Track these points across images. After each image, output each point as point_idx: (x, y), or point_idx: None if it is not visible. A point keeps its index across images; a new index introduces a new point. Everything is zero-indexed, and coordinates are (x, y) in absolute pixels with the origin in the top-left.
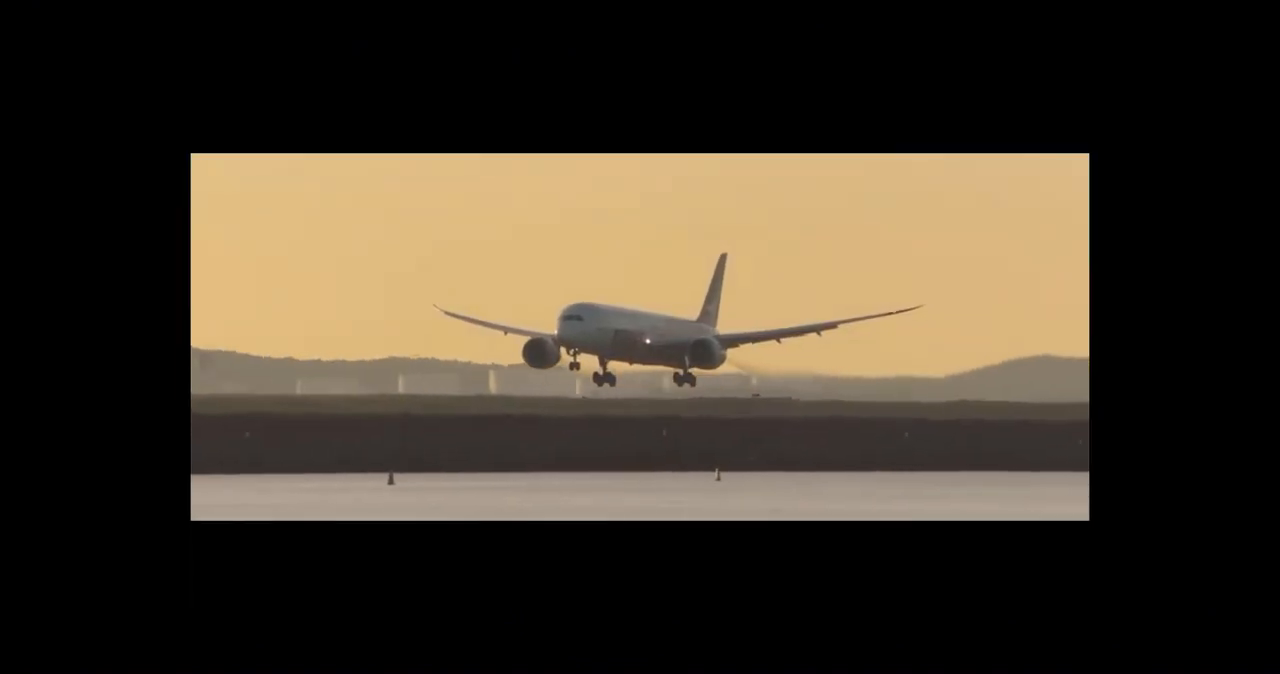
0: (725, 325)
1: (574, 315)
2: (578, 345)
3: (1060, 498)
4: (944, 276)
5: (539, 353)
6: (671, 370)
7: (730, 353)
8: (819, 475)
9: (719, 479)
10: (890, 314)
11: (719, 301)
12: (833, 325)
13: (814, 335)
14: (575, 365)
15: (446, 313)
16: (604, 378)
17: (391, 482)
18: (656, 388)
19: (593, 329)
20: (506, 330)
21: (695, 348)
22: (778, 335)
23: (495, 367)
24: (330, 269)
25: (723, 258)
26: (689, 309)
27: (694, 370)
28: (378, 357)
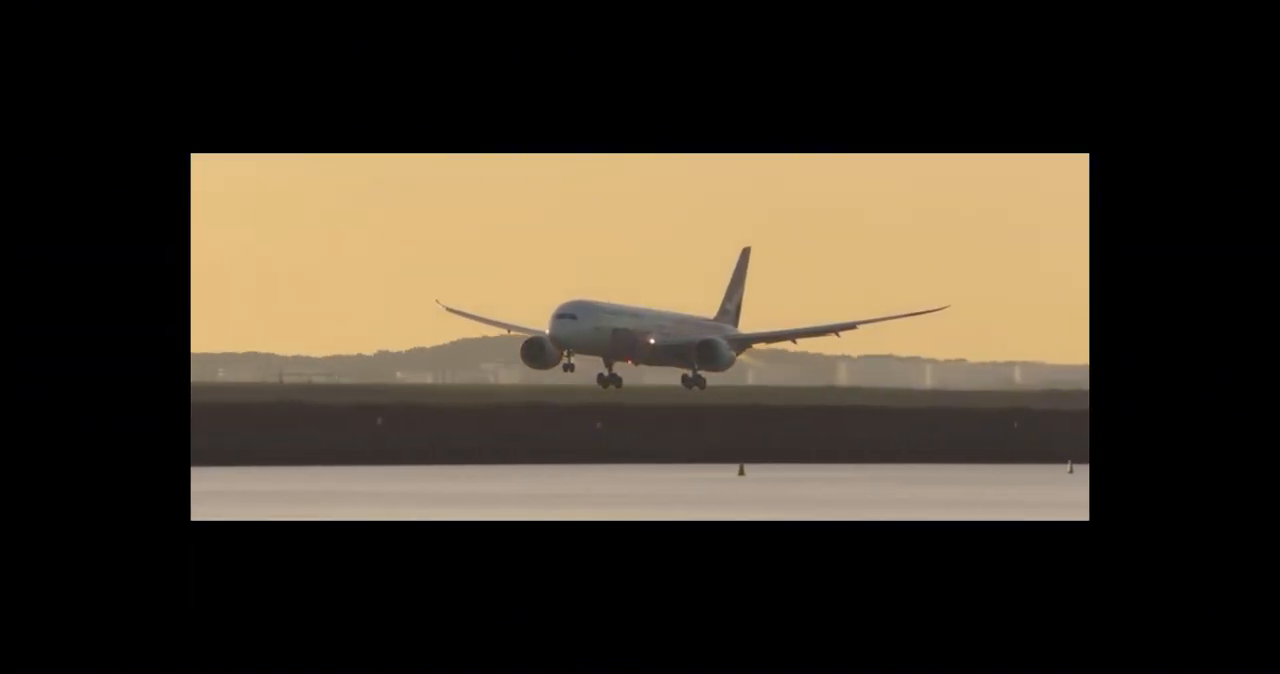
0: (742, 325)
1: (568, 313)
2: (572, 346)
3: None
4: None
5: (537, 353)
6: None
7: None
8: None
9: (1071, 472)
10: (915, 314)
11: (741, 298)
12: (852, 326)
13: (833, 336)
14: (569, 367)
15: (448, 309)
16: (609, 379)
17: (742, 472)
18: (1007, 378)
19: (588, 328)
20: (510, 328)
21: (701, 349)
22: (793, 335)
23: (844, 358)
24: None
25: (746, 251)
26: (710, 307)
27: (704, 373)
28: None
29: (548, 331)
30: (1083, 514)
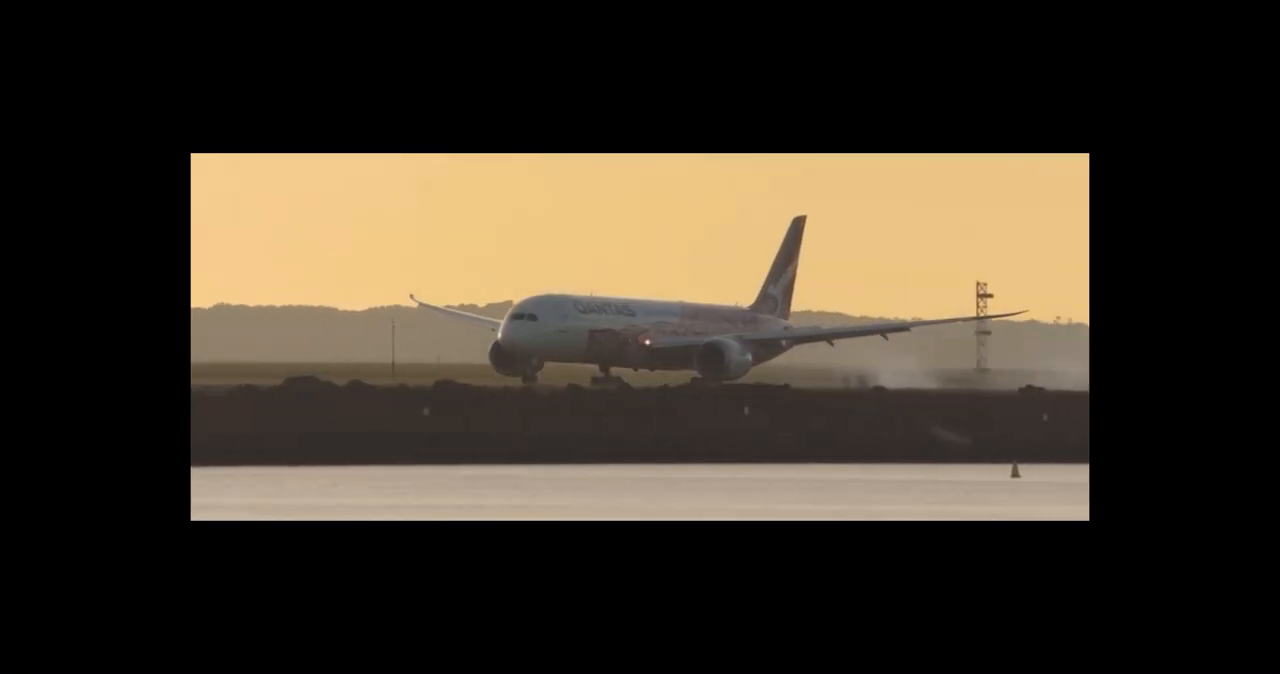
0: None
1: (525, 313)
2: (533, 353)
3: None
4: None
5: (504, 358)
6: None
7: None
8: None
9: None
10: (985, 318)
11: (791, 281)
12: (905, 327)
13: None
14: (531, 377)
15: (422, 304)
16: (606, 382)
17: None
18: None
19: (550, 331)
20: (491, 327)
21: (704, 353)
22: (830, 336)
23: None
24: None
25: (798, 222)
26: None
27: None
28: None
29: (499, 336)
30: (1082, 514)
